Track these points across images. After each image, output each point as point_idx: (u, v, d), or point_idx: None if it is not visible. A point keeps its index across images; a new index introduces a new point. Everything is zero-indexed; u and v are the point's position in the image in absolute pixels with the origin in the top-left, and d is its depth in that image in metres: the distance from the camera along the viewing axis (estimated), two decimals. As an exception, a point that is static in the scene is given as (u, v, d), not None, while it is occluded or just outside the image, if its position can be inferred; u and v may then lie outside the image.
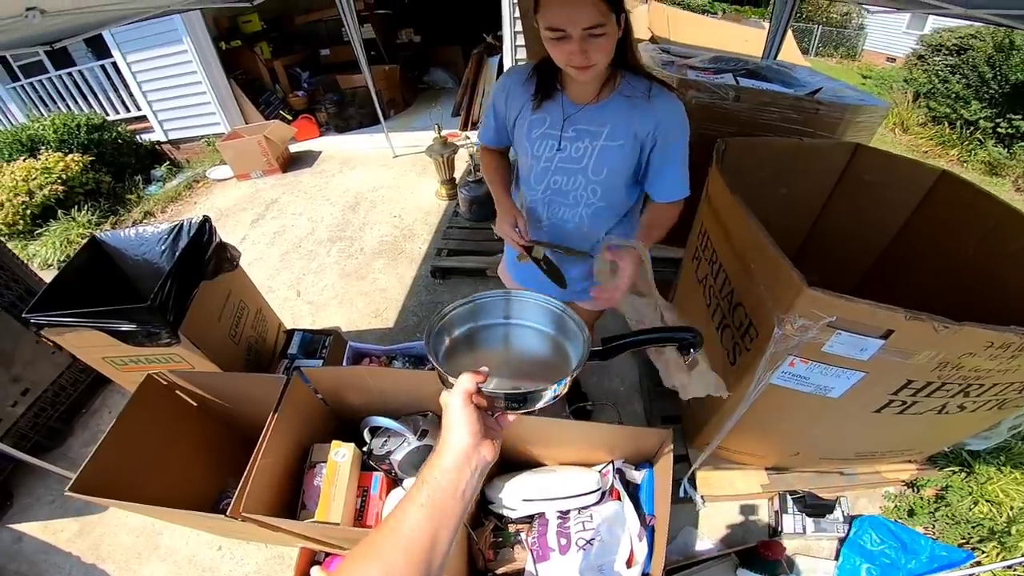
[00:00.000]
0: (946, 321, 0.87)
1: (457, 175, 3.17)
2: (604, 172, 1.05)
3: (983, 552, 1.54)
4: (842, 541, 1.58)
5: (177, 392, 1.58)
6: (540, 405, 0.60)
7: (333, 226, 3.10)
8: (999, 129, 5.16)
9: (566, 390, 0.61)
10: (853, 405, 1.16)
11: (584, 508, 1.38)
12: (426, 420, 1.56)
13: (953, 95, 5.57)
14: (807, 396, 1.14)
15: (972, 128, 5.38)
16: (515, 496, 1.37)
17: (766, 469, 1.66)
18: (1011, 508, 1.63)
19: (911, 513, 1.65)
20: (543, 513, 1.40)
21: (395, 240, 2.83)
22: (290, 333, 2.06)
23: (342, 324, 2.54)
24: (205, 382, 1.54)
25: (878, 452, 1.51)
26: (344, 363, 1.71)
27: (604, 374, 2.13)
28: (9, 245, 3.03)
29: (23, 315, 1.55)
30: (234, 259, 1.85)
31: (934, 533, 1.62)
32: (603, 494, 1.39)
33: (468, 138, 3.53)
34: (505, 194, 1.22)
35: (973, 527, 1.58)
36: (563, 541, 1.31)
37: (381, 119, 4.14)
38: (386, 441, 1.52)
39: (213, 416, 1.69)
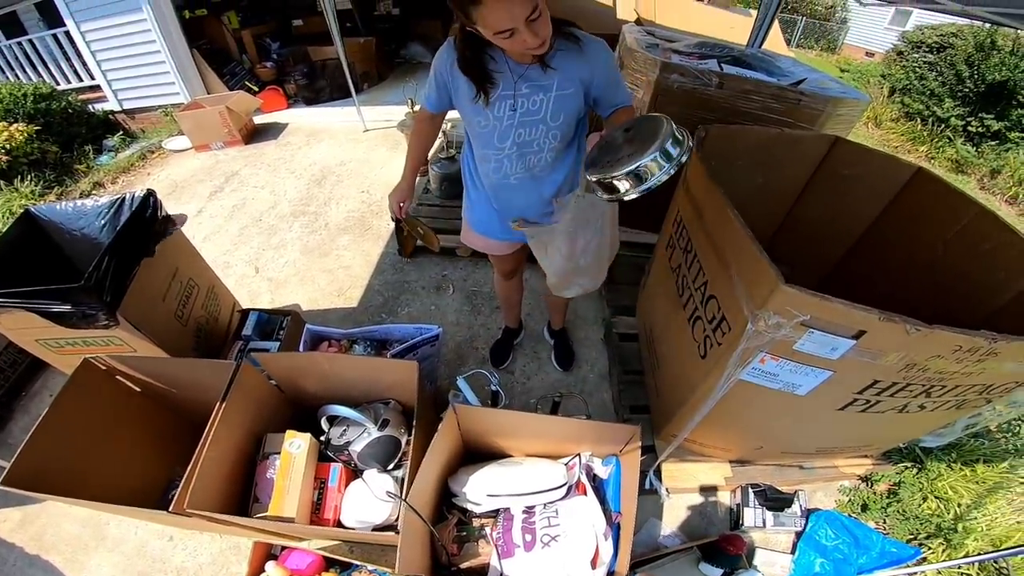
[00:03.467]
0: (918, 324, 0.85)
1: (430, 152, 3.05)
2: (561, 118, 1.14)
3: (930, 549, 1.57)
4: (799, 535, 1.60)
5: (118, 377, 1.47)
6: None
7: (296, 200, 2.96)
8: (970, 128, 5.28)
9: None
10: (818, 402, 1.15)
11: (550, 503, 1.35)
12: (387, 408, 1.50)
13: (928, 92, 5.67)
14: (774, 392, 1.12)
15: (943, 125, 5.52)
16: (479, 491, 1.32)
17: (730, 462, 1.67)
18: (959, 505, 1.67)
19: (864, 508, 1.68)
20: (508, 508, 1.36)
21: (362, 216, 2.72)
22: (244, 313, 1.94)
23: (303, 302, 2.43)
24: (147, 367, 1.43)
25: (837, 447, 1.52)
26: (301, 347, 1.62)
27: (573, 361, 2.10)
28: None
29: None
30: (177, 225, 1.70)
31: (885, 528, 1.66)
32: (569, 488, 1.36)
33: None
34: (413, 169, 1.41)
35: (922, 523, 1.61)
36: (528, 537, 1.28)
37: (353, 92, 3.97)
38: (345, 431, 1.46)
39: (159, 402, 1.59)
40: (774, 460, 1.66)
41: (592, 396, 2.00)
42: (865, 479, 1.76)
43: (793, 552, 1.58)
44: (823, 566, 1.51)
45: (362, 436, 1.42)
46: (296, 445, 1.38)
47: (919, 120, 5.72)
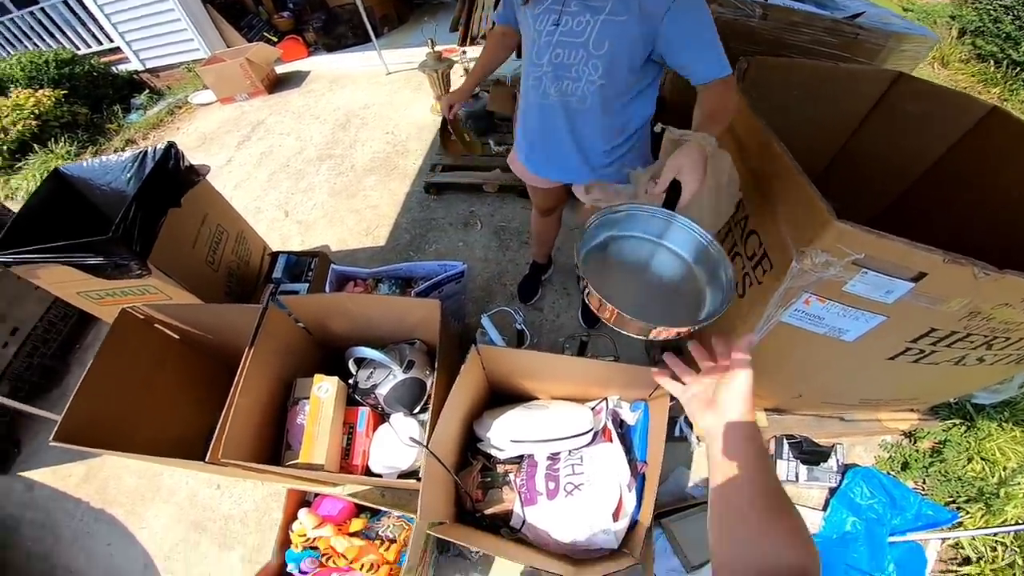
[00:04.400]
0: (988, 267, 0.76)
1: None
2: (605, 47, 1.03)
3: (968, 513, 1.50)
4: (832, 491, 1.55)
5: (156, 326, 1.51)
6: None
7: (322, 144, 2.99)
8: (1048, 73, 4.74)
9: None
10: (866, 350, 1.07)
11: (575, 450, 1.33)
12: (413, 349, 1.49)
13: (1003, 35, 5.15)
14: (818, 337, 1.05)
15: (1019, 69, 5.05)
16: (503, 436, 1.31)
17: (765, 410, 1.61)
18: (1004, 468, 1.58)
19: (905, 466, 1.59)
20: (533, 454, 1.35)
21: (387, 156, 2.72)
22: (274, 256, 1.97)
23: (332, 243, 2.47)
24: (180, 314, 1.46)
25: (883, 399, 1.44)
26: (327, 288, 1.63)
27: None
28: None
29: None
30: (201, 175, 1.71)
31: (924, 489, 1.59)
32: (595, 435, 1.33)
33: (465, 53, 3.26)
34: (474, 80, 1.47)
35: (963, 486, 1.53)
36: (551, 485, 1.27)
37: (372, 37, 3.84)
38: (372, 373, 1.45)
39: (197, 349, 1.64)
40: (813, 410, 1.59)
41: (621, 336, 1.94)
42: (909, 435, 1.68)
43: (825, 509, 1.53)
44: (855, 525, 1.46)
45: (388, 379, 1.41)
46: (324, 390, 1.39)
47: (992, 62, 5.20)
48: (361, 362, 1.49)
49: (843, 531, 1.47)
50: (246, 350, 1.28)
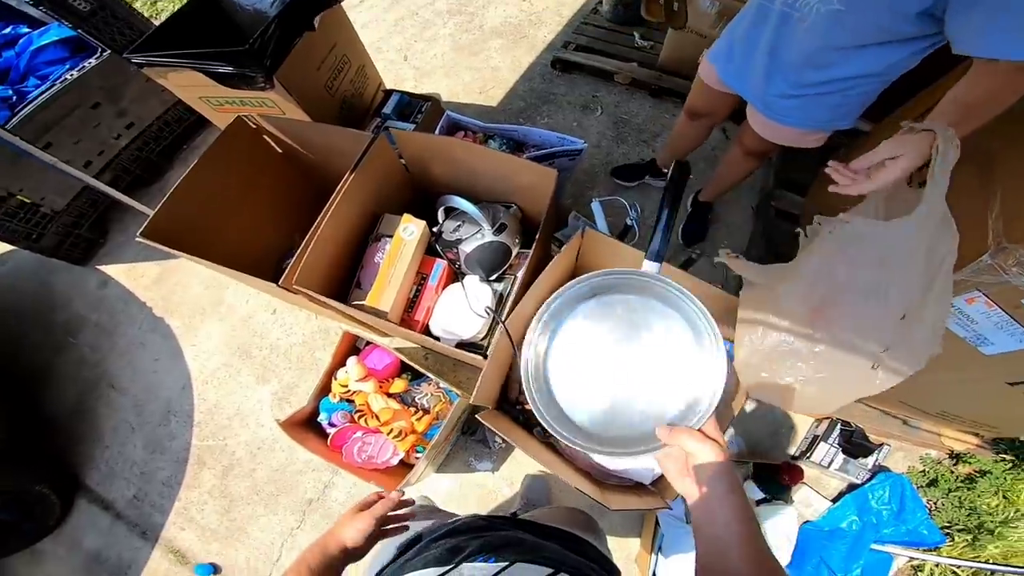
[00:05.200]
0: None
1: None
2: None
3: (952, 541, 1.45)
4: (851, 487, 1.51)
5: (264, 137, 1.56)
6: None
7: (455, 1, 2.87)
8: None
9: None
10: (994, 368, 0.94)
11: None
12: (507, 213, 1.44)
13: None
14: (953, 338, 0.93)
15: None
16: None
17: None
18: (1018, 510, 1.47)
19: (932, 483, 1.54)
20: None
21: (519, 24, 2.57)
22: (388, 93, 1.96)
23: (444, 93, 2.44)
24: (291, 128, 1.50)
25: (963, 417, 1.31)
26: (437, 132, 1.60)
27: (700, 242, 1.90)
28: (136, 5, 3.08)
29: (123, 55, 1.56)
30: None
31: (936, 509, 1.52)
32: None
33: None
34: None
35: (969, 515, 1.47)
36: None
37: None
38: (459, 226, 1.42)
39: (295, 167, 1.69)
40: (886, 406, 1.47)
41: (715, 271, 1.81)
42: (955, 456, 1.57)
43: (834, 501, 1.50)
44: (851, 524, 1.44)
45: (475, 236, 1.38)
46: (410, 232, 1.39)
47: None
48: (450, 213, 1.46)
49: (837, 526, 1.46)
50: (346, 174, 1.28)
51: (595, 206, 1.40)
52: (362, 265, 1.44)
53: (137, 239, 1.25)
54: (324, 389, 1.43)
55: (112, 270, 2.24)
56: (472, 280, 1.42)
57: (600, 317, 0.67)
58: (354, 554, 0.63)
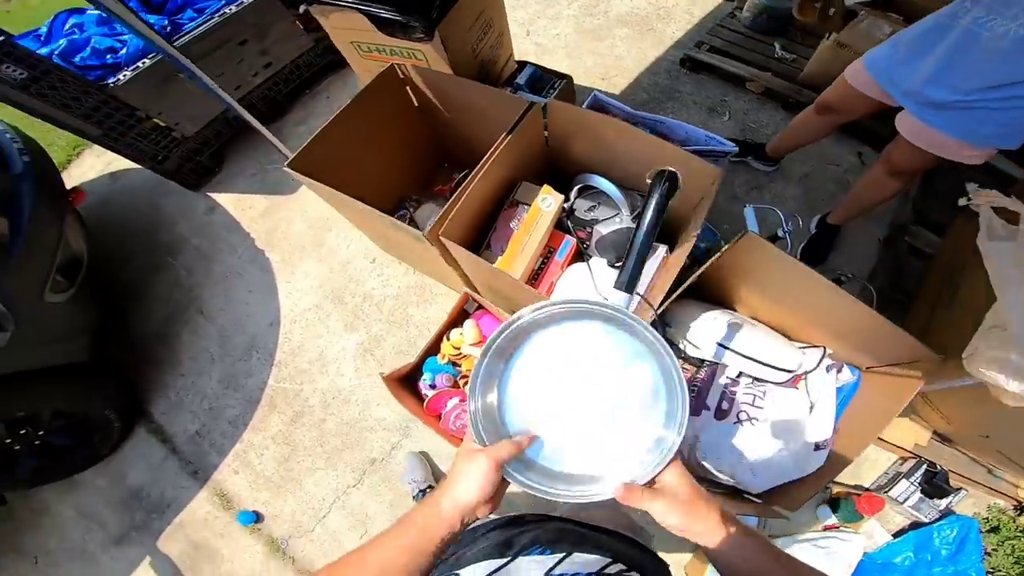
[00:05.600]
0: None
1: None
2: None
3: None
4: (914, 525, 1.47)
5: (407, 88, 1.57)
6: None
7: None
8: None
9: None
10: None
11: (757, 380, 1.22)
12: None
13: None
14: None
15: None
16: (709, 336, 1.21)
17: (935, 432, 1.42)
18: None
19: (994, 530, 1.48)
20: (711, 366, 1.26)
21: (646, 16, 2.51)
22: (522, 64, 1.94)
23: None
24: (441, 83, 1.50)
25: None
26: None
27: (822, 264, 1.81)
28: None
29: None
30: None
31: (990, 555, 1.47)
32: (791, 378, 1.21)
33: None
34: None
35: (1015, 563, 1.42)
36: (724, 406, 1.20)
37: None
38: (595, 207, 1.43)
39: (424, 123, 1.71)
40: (978, 453, 1.41)
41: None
42: (1020, 508, 1.49)
43: (895, 536, 1.47)
44: (906, 559, 1.41)
45: (612, 220, 1.38)
46: (548, 203, 1.37)
47: None
48: (583, 191, 1.45)
49: (891, 560, 1.42)
50: (503, 136, 1.27)
51: (749, 212, 1.34)
52: (494, 227, 1.43)
53: (284, 168, 1.27)
54: (432, 348, 1.41)
55: (221, 198, 2.30)
56: (600, 263, 1.40)
57: (560, 347, 0.58)
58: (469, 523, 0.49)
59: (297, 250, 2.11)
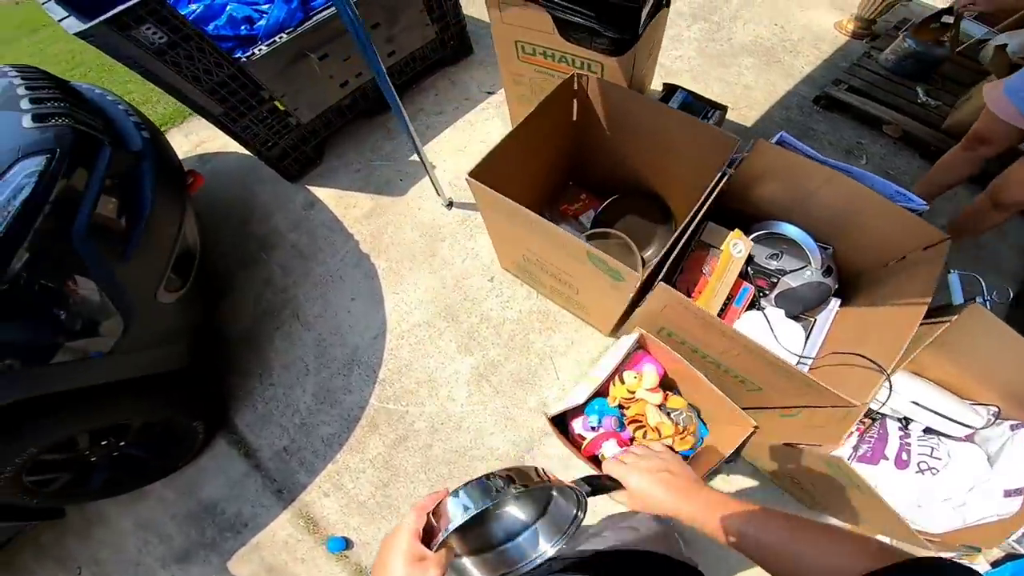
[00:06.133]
0: None
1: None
2: None
3: None
4: (1011, 556, 1.37)
5: (574, 100, 1.48)
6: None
7: (698, 5, 2.73)
8: None
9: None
10: None
11: (929, 432, 1.24)
12: (828, 255, 1.35)
13: None
14: None
15: None
16: (904, 394, 1.21)
17: None
18: None
19: None
20: (885, 417, 1.26)
21: (771, 47, 2.44)
22: (671, 88, 1.80)
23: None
24: (626, 102, 1.40)
25: None
26: None
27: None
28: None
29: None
30: None
31: None
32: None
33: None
34: None
35: None
36: (904, 456, 1.18)
37: None
38: (778, 255, 1.35)
39: (574, 138, 1.62)
40: None
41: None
42: None
43: (994, 565, 1.40)
44: None
45: (800, 272, 1.31)
46: (738, 249, 1.30)
47: None
48: (764, 239, 1.38)
49: None
50: (715, 177, 1.18)
51: (954, 280, 1.27)
52: (682, 268, 1.36)
53: (466, 178, 1.18)
54: (601, 391, 1.31)
55: (321, 193, 2.14)
56: (776, 313, 1.34)
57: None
58: None
59: (407, 258, 1.95)
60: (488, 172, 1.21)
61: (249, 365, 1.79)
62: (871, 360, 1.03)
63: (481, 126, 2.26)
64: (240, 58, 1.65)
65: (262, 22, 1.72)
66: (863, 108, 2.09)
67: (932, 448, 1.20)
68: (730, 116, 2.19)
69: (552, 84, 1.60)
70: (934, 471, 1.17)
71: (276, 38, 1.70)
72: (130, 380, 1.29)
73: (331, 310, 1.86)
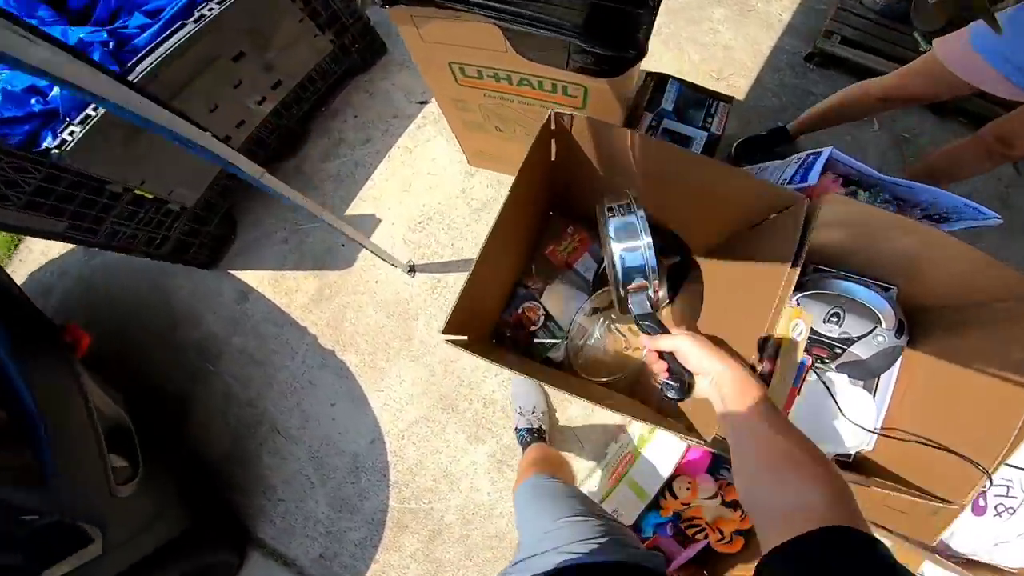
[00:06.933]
0: None
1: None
2: None
3: None
4: None
5: (552, 140, 1.09)
6: None
7: None
8: None
9: None
10: None
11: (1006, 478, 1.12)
12: (890, 298, 1.08)
13: None
14: None
15: None
16: None
17: None
18: None
19: None
20: None
21: None
22: (659, 79, 1.38)
23: (671, 73, 1.97)
24: (618, 139, 1.01)
25: None
26: (810, 175, 1.16)
27: None
28: None
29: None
30: None
31: None
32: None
33: None
34: None
35: None
36: (981, 502, 1.09)
37: None
38: (839, 316, 1.10)
39: (553, 178, 1.27)
40: None
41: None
42: None
43: None
44: None
45: (870, 337, 1.07)
46: (799, 330, 1.05)
47: None
48: (820, 297, 1.11)
49: None
50: (788, 269, 0.85)
51: None
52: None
53: (444, 336, 0.89)
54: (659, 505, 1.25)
55: (251, 277, 1.73)
56: (842, 380, 1.15)
57: None
58: None
59: (380, 349, 1.64)
60: (463, 312, 0.93)
61: (247, 484, 1.62)
62: (967, 458, 0.88)
63: (422, 151, 1.80)
64: (50, 149, 1.13)
65: (55, 91, 1.18)
66: (861, 62, 1.78)
67: (1008, 487, 1.09)
68: (718, 87, 1.81)
69: (513, 111, 1.20)
70: (1011, 511, 1.07)
71: (88, 111, 1.17)
72: (143, 560, 1.19)
73: (312, 420, 1.63)
